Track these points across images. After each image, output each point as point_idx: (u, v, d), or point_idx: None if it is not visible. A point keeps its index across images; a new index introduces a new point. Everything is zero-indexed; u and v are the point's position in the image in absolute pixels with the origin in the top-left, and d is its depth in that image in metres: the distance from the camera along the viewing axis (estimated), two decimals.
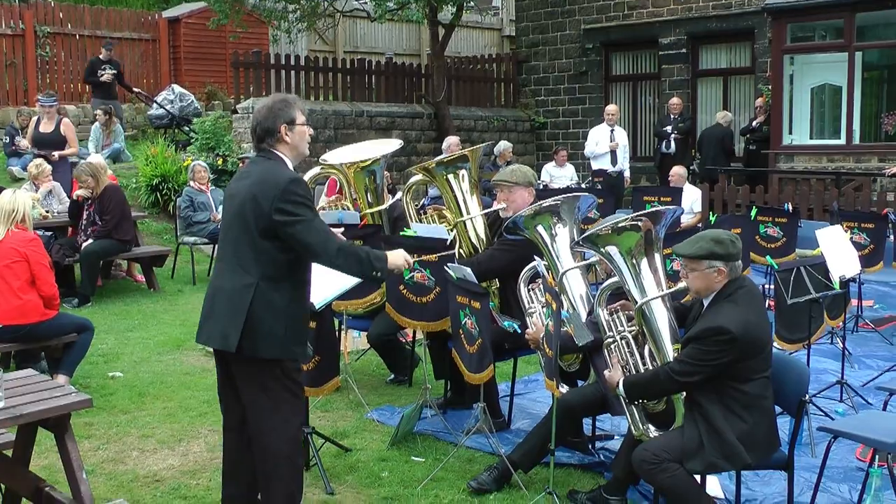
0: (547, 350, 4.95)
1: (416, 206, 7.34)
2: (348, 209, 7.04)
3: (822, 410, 6.24)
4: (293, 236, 4.17)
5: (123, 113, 16.15)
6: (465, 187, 6.39)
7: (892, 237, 9.00)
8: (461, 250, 6.36)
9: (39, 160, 11.15)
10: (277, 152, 4.36)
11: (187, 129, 15.36)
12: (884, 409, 5.90)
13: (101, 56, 15.39)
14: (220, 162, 13.92)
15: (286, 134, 4.35)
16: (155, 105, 15.89)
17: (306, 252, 4.25)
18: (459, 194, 6.40)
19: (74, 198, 10.12)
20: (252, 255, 4.21)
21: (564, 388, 5.39)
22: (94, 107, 15.16)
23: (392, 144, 7.40)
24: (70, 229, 10.42)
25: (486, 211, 6.47)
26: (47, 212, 10.43)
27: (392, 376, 7.28)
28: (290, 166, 4.38)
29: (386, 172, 7.61)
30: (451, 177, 6.40)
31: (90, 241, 9.86)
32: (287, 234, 4.17)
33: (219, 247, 4.45)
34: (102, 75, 15.12)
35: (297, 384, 4.44)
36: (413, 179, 7.14)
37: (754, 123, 15.63)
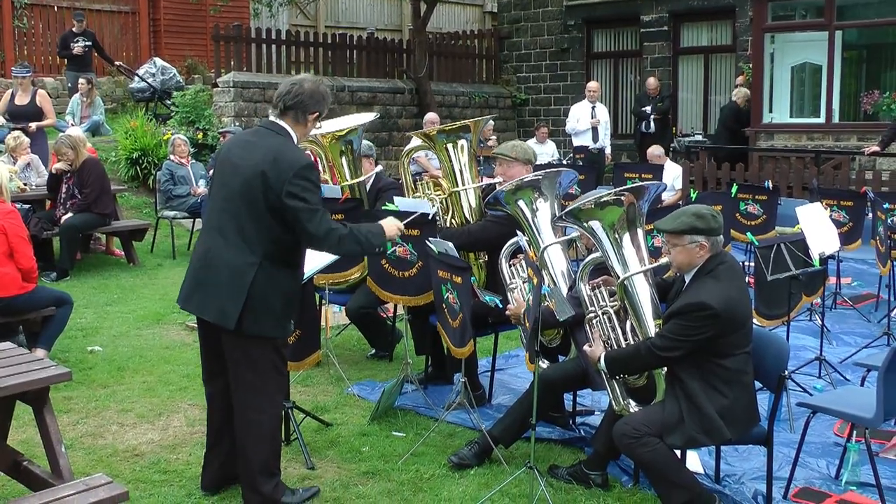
0: (527, 325, 4.95)
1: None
2: (327, 183, 7.00)
3: (800, 386, 6.29)
4: (298, 221, 4.18)
5: (102, 86, 15.95)
6: (464, 159, 6.33)
7: (870, 215, 9.03)
8: (453, 220, 6.31)
9: (17, 132, 11.04)
10: (291, 131, 4.38)
11: (168, 102, 15.23)
12: (861, 384, 5.95)
13: (73, 29, 15.06)
14: (200, 136, 13.84)
15: (310, 122, 4.43)
16: (136, 78, 15.73)
17: (307, 238, 4.26)
18: (457, 164, 6.32)
19: (53, 171, 10.03)
20: (257, 234, 4.20)
21: (545, 364, 5.40)
22: (69, 80, 14.96)
23: (368, 116, 7.37)
24: (48, 202, 10.33)
25: (482, 183, 6.43)
26: (25, 185, 10.33)
27: (373, 351, 7.27)
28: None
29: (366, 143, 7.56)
30: (450, 146, 6.32)
31: (69, 214, 9.79)
32: (292, 217, 4.17)
33: (215, 216, 4.37)
34: (74, 48, 14.90)
35: (283, 361, 4.47)
36: (411, 145, 7.08)
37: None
